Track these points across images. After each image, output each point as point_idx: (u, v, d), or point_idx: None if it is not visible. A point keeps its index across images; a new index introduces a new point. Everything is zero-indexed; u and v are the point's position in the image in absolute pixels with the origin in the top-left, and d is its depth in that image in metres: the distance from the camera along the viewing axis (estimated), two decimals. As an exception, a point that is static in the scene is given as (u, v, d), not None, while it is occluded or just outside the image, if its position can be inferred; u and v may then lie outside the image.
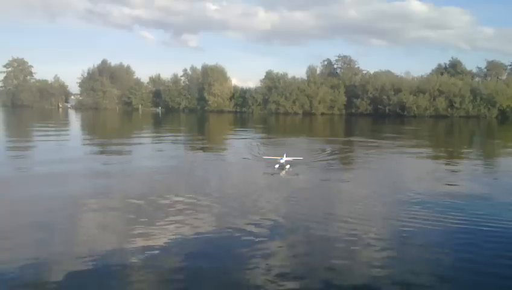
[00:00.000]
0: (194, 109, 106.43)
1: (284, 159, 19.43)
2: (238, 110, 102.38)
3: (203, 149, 29.43)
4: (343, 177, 19.27)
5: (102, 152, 26.46)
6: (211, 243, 9.21)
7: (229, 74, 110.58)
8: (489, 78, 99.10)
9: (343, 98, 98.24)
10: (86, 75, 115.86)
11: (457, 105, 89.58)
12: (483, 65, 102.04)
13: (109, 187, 15.30)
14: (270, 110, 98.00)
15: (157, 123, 65.24)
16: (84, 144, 31.09)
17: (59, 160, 21.34)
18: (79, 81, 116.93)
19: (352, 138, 40.74)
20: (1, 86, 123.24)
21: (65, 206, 12.17)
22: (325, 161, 23.40)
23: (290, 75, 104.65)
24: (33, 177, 17.61)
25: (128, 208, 12.06)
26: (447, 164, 24.28)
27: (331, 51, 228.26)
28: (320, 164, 22.16)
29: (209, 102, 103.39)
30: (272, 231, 10.01)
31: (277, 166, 19.16)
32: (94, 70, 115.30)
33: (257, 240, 9.36)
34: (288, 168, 19.15)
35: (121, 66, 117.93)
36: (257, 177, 18.39)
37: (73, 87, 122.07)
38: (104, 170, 19.26)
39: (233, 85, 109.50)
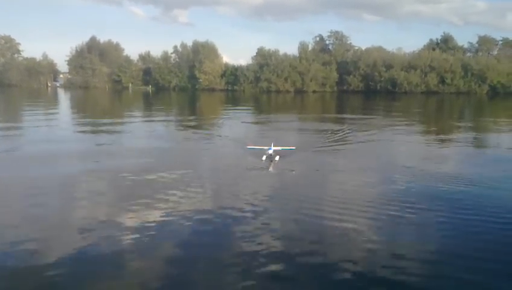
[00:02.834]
0: (184, 87, 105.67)
1: (272, 148, 16.81)
2: (229, 88, 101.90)
3: (184, 137, 26.07)
4: (350, 175, 15.39)
5: (88, 140, 26.05)
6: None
7: (220, 51, 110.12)
8: (480, 54, 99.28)
9: (335, 75, 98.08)
10: (74, 52, 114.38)
11: (448, 81, 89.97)
12: (475, 40, 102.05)
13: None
14: (262, 88, 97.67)
15: (148, 103, 64.61)
16: (75, 131, 30.40)
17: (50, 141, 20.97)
18: (67, 59, 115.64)
19: (347, 116, 40.70)
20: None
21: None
22: (325, 147, 21.16)
23: (281, 52, 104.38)
24: (25, 158, 17.48)
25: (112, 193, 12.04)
26: (437, 143, 24.56)
27: (323, 26, 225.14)
28: (319, 153, 19.72)
29: (200, 80, 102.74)
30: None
31: (264, 158, 16.68)
32: (83, 47, 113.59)
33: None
34: (278, 159, 16.70)
35: (110, 43, 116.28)
36: (239, 174, 15.11)
37: (62, 65, 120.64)
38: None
39: (224, 62, 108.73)
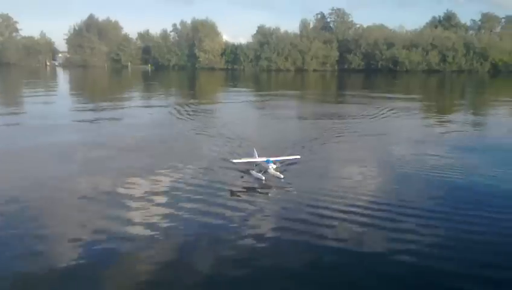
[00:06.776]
0: (184, 66, 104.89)
1: (257, 159, 13.09)
2: (229, 67, 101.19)
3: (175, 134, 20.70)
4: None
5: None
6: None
7: (219, 29, 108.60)
8: (483, 31, 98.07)
9: (335, 54, 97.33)
10: (72, 31, 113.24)
11: (449, 59, 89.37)
12: (477, 18, 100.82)
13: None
14: (262, 67, 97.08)
15: (147, 84, 63.01)
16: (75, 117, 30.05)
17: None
18: (66, 37, 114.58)
19: (349, 96, 40.35)
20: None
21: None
22: (332, 143, 18.57)
23: (282, 30, 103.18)
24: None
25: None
26: (438, 123, 24.59)
27: (324, 3, 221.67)
28: (328, 154, 16.65)
29: (200, 59, 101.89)
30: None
31: (254, 173, 12.81)
32: (81, 26, 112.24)
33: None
34: (275, 169, 12.62)
35: (108, 21, 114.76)
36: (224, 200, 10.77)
37: (61, 44, 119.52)
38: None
39: (224, 41, 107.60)
